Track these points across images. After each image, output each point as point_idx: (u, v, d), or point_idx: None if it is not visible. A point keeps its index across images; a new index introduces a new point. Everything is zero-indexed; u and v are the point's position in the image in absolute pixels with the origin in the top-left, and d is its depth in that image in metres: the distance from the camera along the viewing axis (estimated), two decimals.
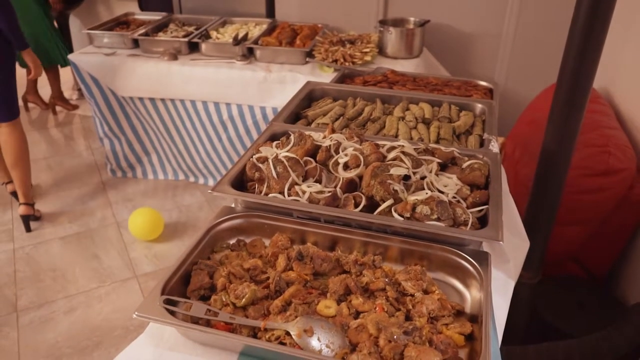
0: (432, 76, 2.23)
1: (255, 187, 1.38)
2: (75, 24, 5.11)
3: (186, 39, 3.36)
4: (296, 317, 1.04)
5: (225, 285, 1.14)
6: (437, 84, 2.13)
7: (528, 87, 3.47)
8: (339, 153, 1.41)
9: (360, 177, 1.35)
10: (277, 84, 3.15)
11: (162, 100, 3.35)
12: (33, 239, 3.19)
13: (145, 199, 3.61)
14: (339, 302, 1.12)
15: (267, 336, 1.02)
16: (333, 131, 1.52)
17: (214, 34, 3.54)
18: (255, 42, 3.31)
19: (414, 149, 1.41)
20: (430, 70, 3.42)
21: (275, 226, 1.31)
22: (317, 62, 3.13)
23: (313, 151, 1.42)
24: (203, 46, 3.35)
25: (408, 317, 1.09)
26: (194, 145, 3.49)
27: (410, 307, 1.10)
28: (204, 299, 1.14)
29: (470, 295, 1.16)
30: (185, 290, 1.15)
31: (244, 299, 1.09)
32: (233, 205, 1.38)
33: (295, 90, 3.14)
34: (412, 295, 1.13)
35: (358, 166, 1.34)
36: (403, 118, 1.77)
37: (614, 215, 2.15)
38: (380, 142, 1.44)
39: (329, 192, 1.30)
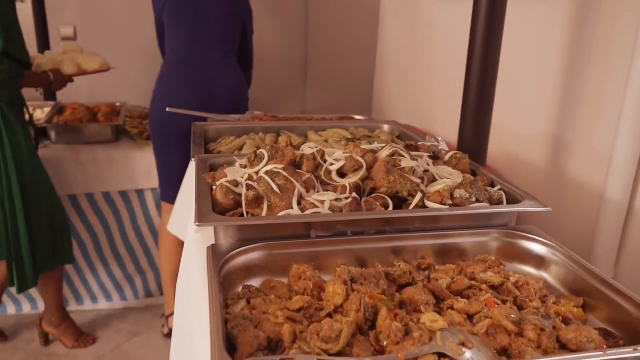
0: (306, 116, 2.12)
1: (238, 217, 1.02)
2: None
3: None
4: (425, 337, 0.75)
5: (295, 334, 0.76)
6: (318, 120, 2.03)
7: None
8: (325, 161, 1.16)
9: (363, 181, 1.12)
10: (91, 164, 2.64)
11: None
12: None
13: None
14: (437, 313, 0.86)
15: None
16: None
17: None
18: (49, 122, 2.73)
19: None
20: None
21: (288, 255, 0.98)
22: (135, 136, 2.75)
23: (294, 163, 1.13)
24: None
25: (518, 305, 0.89)
26: None
27: (517, 292, 0.90)
28: None
29: (550, 273, 1.02)
30: None
31: (341, 340, 0.74)
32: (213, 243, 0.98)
33: (118, 170, 2.67)
34: (499, 287, 0.94)
35: (360, 168, 1.12)
36: (327, 141, 1.60)
37: None
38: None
39: (346, 198, 1.03)
